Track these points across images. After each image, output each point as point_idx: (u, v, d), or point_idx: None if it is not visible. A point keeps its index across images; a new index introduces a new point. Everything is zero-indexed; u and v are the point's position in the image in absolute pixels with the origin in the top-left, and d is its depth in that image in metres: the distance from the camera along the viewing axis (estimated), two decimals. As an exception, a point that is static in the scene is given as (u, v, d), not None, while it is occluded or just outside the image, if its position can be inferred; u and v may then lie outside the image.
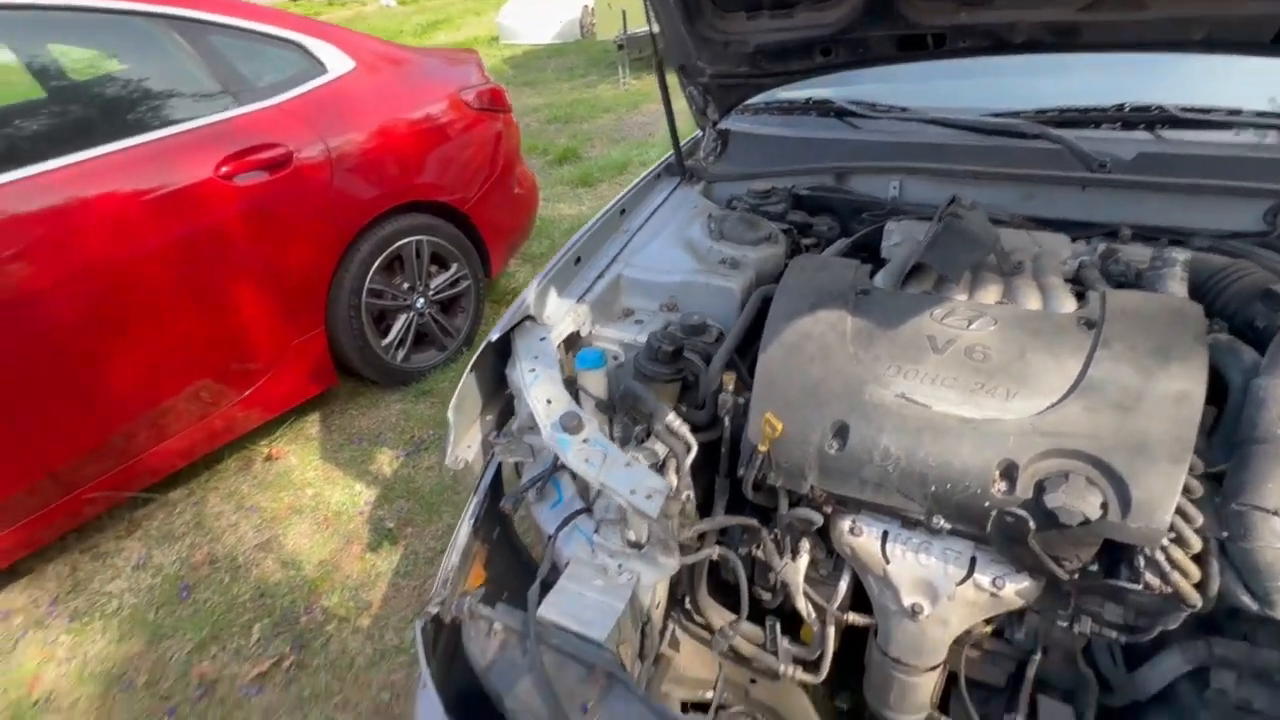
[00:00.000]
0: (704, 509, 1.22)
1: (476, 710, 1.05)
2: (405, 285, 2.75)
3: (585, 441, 1.06)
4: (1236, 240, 1.28)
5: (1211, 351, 0.98)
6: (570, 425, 1.07)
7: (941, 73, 1.71)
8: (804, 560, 1.17)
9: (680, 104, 1.80)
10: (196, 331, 2.12)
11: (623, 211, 1.65)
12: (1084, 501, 0.86)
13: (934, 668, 1.09)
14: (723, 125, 1.92)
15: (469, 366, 1.27)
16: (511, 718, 0.99)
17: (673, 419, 1.10)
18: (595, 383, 1.24)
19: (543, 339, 1.27)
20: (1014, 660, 1.14)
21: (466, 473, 1.32)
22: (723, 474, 1.22)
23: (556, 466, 1.27)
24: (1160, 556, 0.87)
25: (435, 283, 2.87)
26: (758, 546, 1.20)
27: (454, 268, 2.93)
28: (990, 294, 1.16)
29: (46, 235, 1.78)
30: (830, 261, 1.30)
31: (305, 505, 2.26)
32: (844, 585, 1.15)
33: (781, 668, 1.21)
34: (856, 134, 1.72)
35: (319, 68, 2.47)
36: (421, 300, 2.82)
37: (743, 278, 1.38)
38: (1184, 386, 0.91)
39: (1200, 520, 0.88)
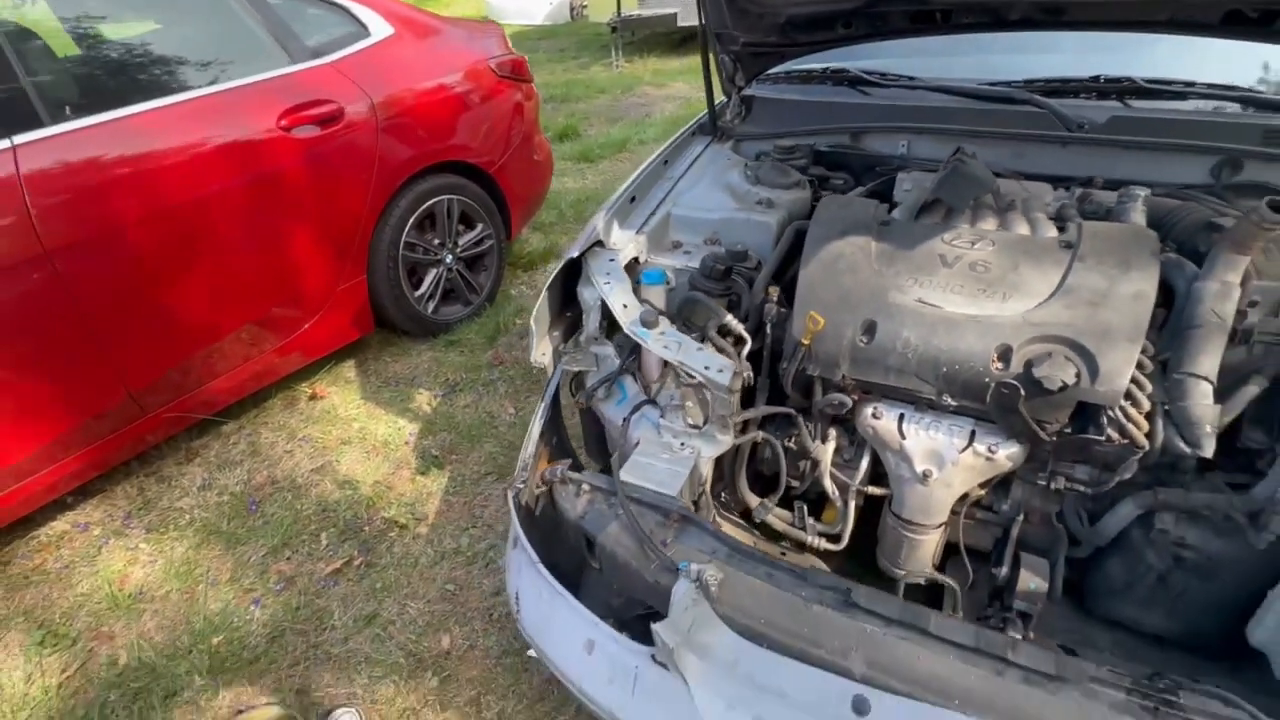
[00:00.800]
0: (745, 406, 1.45)
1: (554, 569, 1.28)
2: (436, 241, 2.93)
3: (662, 333, 1.28)
4: (1189, 190, 1.55)
5: (1163, 266, 1.23)
6: (649, 321, 1.29)
7: (944, 48, 1.95)
8: (831, 445, 1.41)
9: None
10: (257, 272, 2.28)
11: (666, 162, 1.86)
12: (1063, 371, 1.10)
13: (938, 526, 1.33)
14: (746, 92, 2.14)
15: (545, 285, 1.49)
16: (602, 553, 1.22)
17: (730, 318, 1.33)
18: (657, 297, 1.46)
19: (612, 259, 1.48)
20: (1000, 527, 1.39)
21: (541, 375, 1.53)
22: (763, 374, 1.45)
23: (622, 370, 1.49)
24: (1119, 414, 1.12)
25: (463, 240, 3.05)
26: (790, 438, 1.44)
27: (479, 227, 3.11)
28: (988, 225, 1.40)
29: (135, 173, 1.93)
30: (854, 200, 1.53)
31: (353, 437, 2.45)
32: (864, 464, 1.40)
33: (809, 539, 1.45)
34: (869, 99, 1.95)
35: (363, 31, 2.63)
36: (450, 256, 3.01)
37: (777, 215, 1.61)
38: (1140, 288, 1.16)
39: (1150, 389, 1.14)
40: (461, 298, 3.15)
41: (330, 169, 2.42)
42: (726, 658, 1.03)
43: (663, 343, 1.27)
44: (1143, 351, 1.13)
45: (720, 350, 1.35)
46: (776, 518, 1.49)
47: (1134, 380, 1.12)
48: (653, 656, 1.08)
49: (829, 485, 1.42)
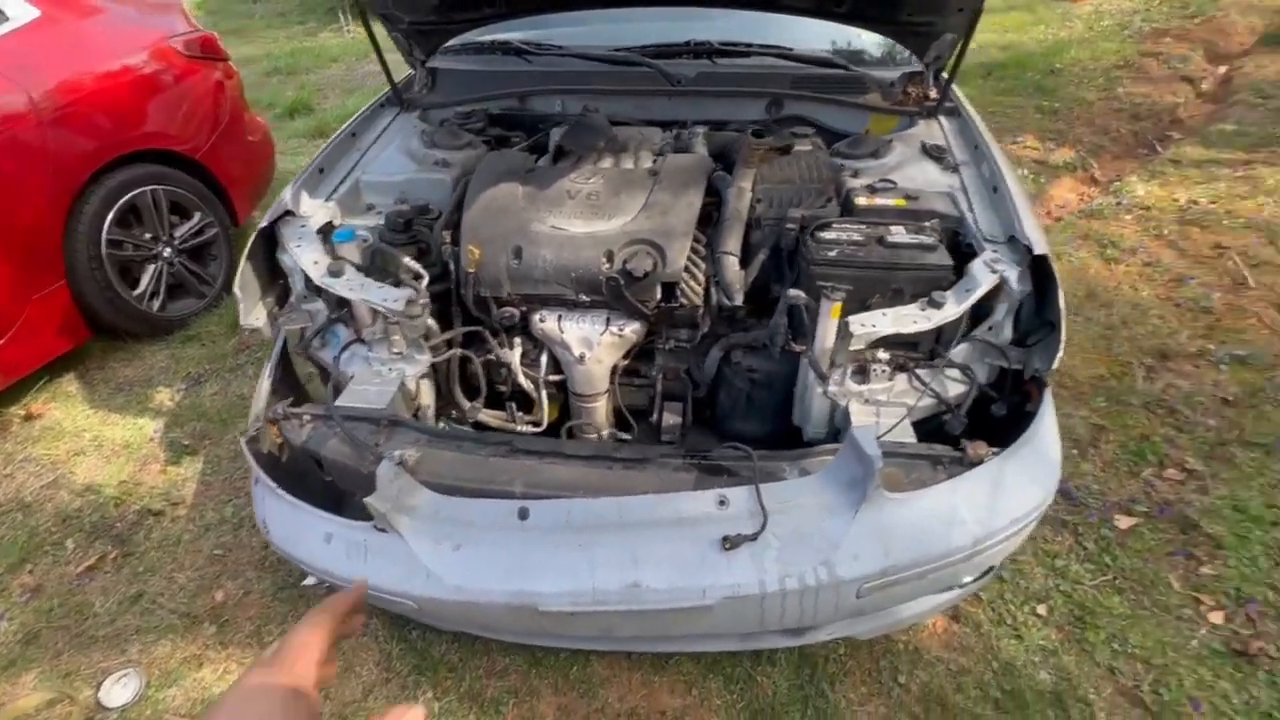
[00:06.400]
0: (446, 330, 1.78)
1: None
2: (148, 235, 2.81)
3: (348, 279, 1.55)
4: (755, 124, 2.13)
5: (715, 180, 1.75)
6: (336, 270, 1.55)
7: (585, 19, 2.37)
8: (518, 350, 1.79)
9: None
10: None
11: (354, 134, 2.07)
12: (645, 263, 1.57)
13: (603, 394, 1.78)
14: (431, 64, 2.39)
15: (245, 254, 1.66)
16: (327, 465, 1.49)
17: (407, 259, 1.63)
18: (351, 253, 1.71)
19: (303, 226, 1.70)
20: (650, 387, 1.89)
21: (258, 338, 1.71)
22: (455, 304, 1.78)
23: (333, 320, 1.73)
24: (684, 287, 1.62)
25: (180, 232, 2.95)
26: (489, 352, 1.80)
27: (197, 216, 3.02)
28: (607, 164, 1.85)
29: None
30: (508, 153, 1.89)
31: (86, 447, 2.37)
32: (545, 359, 1.80)
33: (519, 428, 1.84)
34: (529, 66, 2.31)
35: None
36: (169, 250, 2.90)
37: (453, 173, 1.92)
38: (691, 199, 1.66)
39: (703, 267, 1.66)
40: (193, 291, 3.06)
41: (-9, 170, 2.25)
42: (428, 511, 1.37)
43: (348, 286, 1.54)
44: (695, 241, 1.64)
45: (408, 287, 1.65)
46: (491, 416, 1.86)
47: (690, 262, 1.63)
48: (375, 527, 1.39)
49: (523, 381, 1.81)
